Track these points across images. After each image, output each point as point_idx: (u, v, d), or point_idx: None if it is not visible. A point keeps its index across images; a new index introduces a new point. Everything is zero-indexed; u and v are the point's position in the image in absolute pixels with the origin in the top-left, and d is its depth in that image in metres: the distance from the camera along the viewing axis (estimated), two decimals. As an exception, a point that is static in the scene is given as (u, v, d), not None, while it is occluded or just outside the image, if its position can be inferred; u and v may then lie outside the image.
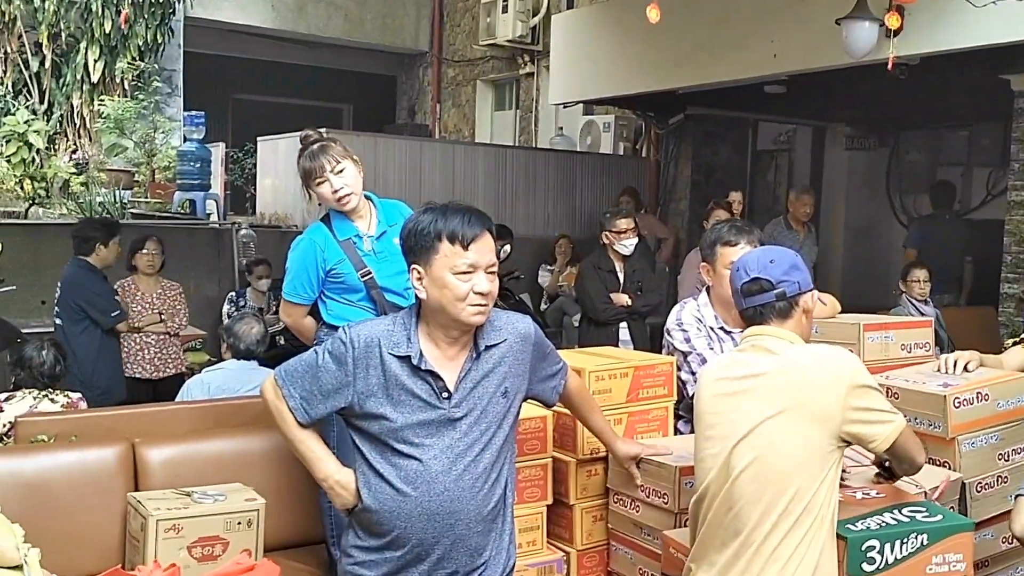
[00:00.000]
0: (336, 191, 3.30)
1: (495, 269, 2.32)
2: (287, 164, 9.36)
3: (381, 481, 2.30)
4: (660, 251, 8.61)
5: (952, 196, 8.52)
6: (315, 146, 3.35)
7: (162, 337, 5.96)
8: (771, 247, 2.57)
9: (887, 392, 2.91)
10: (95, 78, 9.82)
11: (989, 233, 7.41)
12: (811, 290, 2.41)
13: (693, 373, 3.24)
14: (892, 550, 2.30)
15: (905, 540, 2.32)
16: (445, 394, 2.30)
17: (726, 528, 2.27)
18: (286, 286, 3.43)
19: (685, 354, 3.30)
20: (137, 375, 5.87)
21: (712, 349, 3.26)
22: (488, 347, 2.36)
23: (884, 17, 5.35)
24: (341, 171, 3.30)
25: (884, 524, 2.35)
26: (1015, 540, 2.87)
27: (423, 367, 2.29)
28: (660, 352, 3.47)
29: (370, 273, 3.34)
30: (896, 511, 2.41)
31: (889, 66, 5.41)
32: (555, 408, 2.84)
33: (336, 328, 2.83)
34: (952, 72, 6.56)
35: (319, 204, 3.52)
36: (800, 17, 6.30)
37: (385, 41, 13.14)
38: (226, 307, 6.96)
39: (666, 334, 3.40)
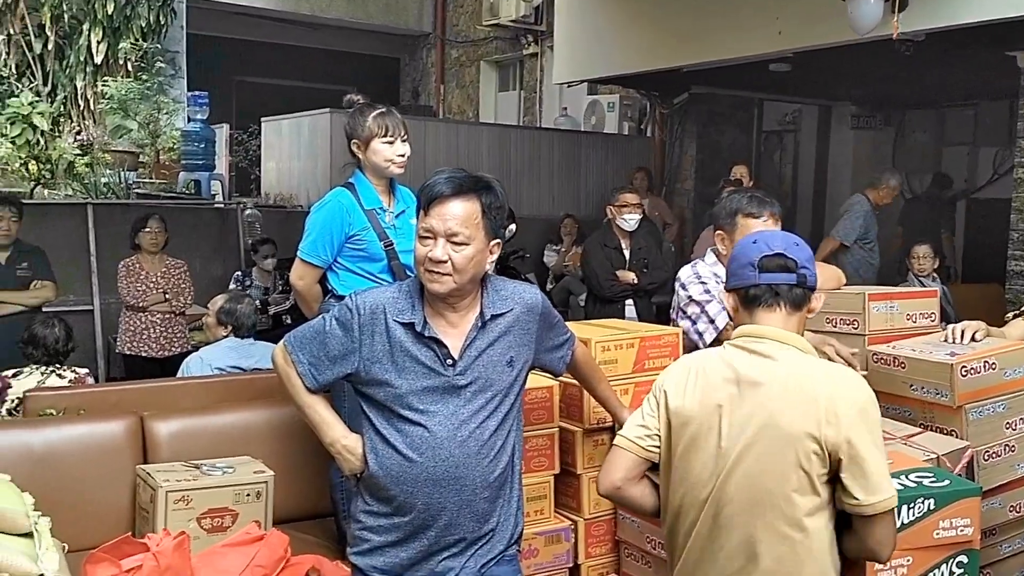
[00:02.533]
0: (401, 155, 3.44)
1: (462, 240, 2.25)
2: (291, 145, 9.36)
3: (387, 447, 2.31)
4: (664, 235, 8.60)
5: (948, 185, 9.04)
6: (382, 107, 3.48)
7: (167, 316, 5.93)
8: (790, 234, 2.29)
9: (893, 362, 2.91)
10: (98, 59, 9.79)
11: (996, 212, 7.41)
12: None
13: (712, 321, 3.22)
14: (899, 515, 2.29)
15: (912, 505, 2.33)
16: (449, 361, 2.30)
17: (718, 544, 2.11)
18: (305, 246, 3.43)
19: (702, 304, 3.26)
20: (143, 354, 5.87)
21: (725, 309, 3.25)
22: (494, 316, 2.36)
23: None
24: (406, 140, 3.47)
25: (891, 489, 2.35)
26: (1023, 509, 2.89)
27: (427, 334, 2.30)
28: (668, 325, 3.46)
29: (392, 243, 3.39)
30: (903, 476, 2.41)
31: (893, 35, 5.38)
32: (562, 378, 2.83)
33: None
34: (958, 49, 6.51)
35: (350, 165, 3.57)
36: (806, -6, 6.27)
37: (388, 22, 13.07)
38: (232, 286, 6.94)
39: (680, 289, 3.35)
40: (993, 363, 2.84)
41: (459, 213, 2.26)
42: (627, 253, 5.95)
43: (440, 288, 2.27)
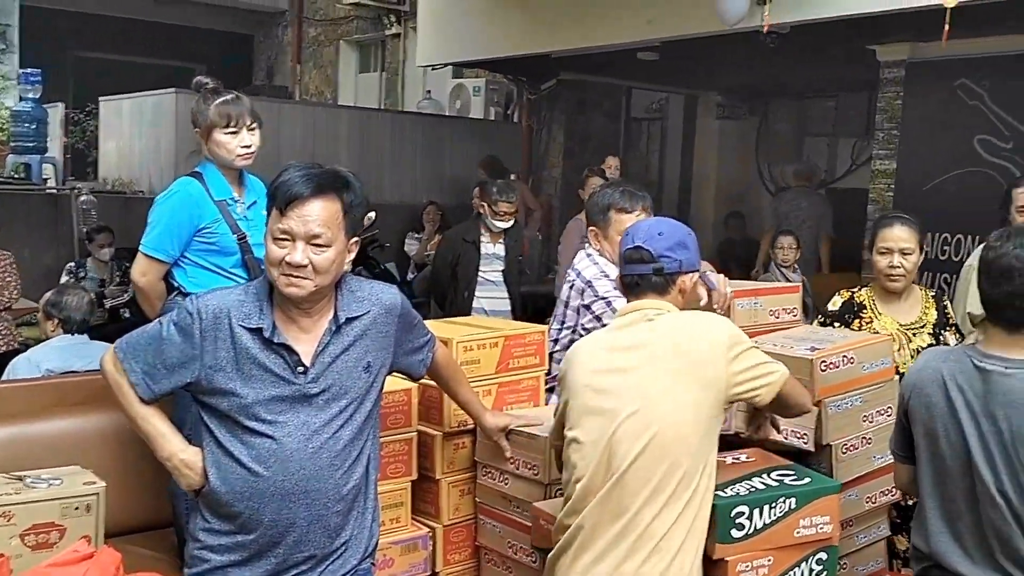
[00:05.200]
0: (247, 147, 3.23)
1: (324, 242, 2.12)
2: (132, 126, 8.85)
3: (231, 460, 2.15)
4: (528, 223, 8.52)
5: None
6: (231, 95, 3.26)
7: (-9, 311, 5.48)
8: (668, 220, 2.51)
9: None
10: (-82, 30, 9.01)
11: (854, 202, 7.68)
12: (693, 271, 2.39)
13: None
14: (761, 515, 2.31)
15: (774, 504, 2.33)
16: (300, 369, 2.16)
17: (612, 507, 2.19)
18: (149, 240, 3.18)
19: (611, 301, 3.14)
20: (-36, 352, 5.40)
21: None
22: (349, 319, 2.22)
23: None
24: (254, 129, 3.26)
25: (753, 489, 2.35)
26: (879, 499, 2.95)
27: (276, 340, 2.15)
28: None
29: (245, 236, 3.21)
30: (765, 475, 2.42)
31: (764, 27, 5.48)
32: (421, 381, 2.71)
33: None
34: (821, 42, 6.70)
35: (196, 153, 3.35)
36: (676, -17, 6.30)
37: (241, -3, 12.60)
38: (64, 278, 6.51)
39: (587, 286, 3.23)
40: (851, 357, 2.87)
41: (320, 214, 2.12)
42: (494, 247, 5.90)
43: (299, 292, 2.12)
